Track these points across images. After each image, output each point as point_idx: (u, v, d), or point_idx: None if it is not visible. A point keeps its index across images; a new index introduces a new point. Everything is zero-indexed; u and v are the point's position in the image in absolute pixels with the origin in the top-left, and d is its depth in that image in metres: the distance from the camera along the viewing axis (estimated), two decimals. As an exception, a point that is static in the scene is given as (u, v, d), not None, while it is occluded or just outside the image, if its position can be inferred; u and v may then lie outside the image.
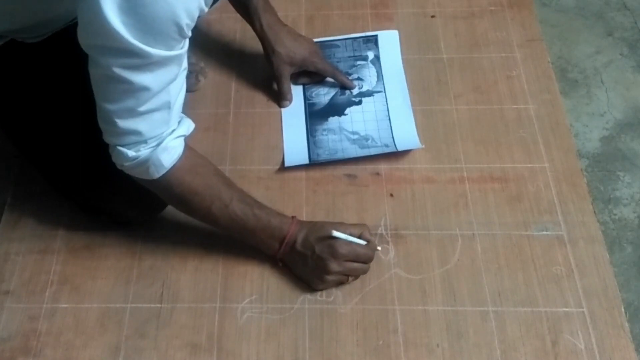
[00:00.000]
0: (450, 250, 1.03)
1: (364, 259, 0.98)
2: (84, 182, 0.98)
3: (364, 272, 0.99)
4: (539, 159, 1.13)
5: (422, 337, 0.95)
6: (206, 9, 0.75)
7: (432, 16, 1.35)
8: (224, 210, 0.93)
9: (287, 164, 1.13)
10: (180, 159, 0.87)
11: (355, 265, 0.97)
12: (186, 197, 0.91)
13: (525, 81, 1.23)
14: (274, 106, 1.22)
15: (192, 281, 1.01)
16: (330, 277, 0.96)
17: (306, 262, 0.96)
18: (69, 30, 0.99)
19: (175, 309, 0.98)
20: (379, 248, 1.01)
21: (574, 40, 1.34)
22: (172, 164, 0.87)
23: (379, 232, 1.05)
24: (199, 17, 0.75)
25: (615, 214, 1.10)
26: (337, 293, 0.99)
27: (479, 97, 1.21)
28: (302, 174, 1.12)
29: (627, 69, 1.29)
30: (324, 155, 1.13)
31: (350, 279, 0.98)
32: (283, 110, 1.21)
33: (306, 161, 1.13)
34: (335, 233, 0.94)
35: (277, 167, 1.13)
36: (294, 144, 1.16)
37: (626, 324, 0.95)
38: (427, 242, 1.04)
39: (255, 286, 1.00)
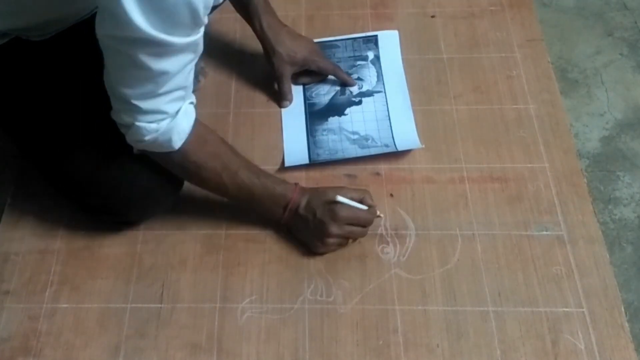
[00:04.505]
0: (450, 250, 1.03)
1: (364, 223, 1.01)
2: (84, 181, 0.98)
3: (363, 235, 1.02)
4: (539, 159, 1.13)
5: (422, 337, 0.95)
6: None
7: (432, 16, 1.34)
8: (233, 178, 0.96)
9: (287, 164, 1.13)
10: (194, 126, 0.90)
11: (355, 228, 1.00)
12: (200, 165, 0.93)
13: (525, 81, 1.23)
14: (274, 106, 1.22)
15: (192, 281, 1.01)
16: (330, 240, 0.99)
17: (307, 225, 0.99)
18: (74, 29, 1.00)
19: (175, 309, 0.98)
20: (380, 214, 1.03)
21: (574, 40, 1.34)
22: (190, 130, 0.89)
23: (379, 232, 1.04)
24: (213, 5, 0.78)
25: (615, 214, 1.10)
26: (337, 293, 0.99)
27: (479, 97, 1.21)
28: (302, 174, 1.12)
29: (627, 69, 1.29)
30: (324, 155, 1.13)
31: (350, 242, 1.02)
32: (283, 110, 1.21)
33: (306, 161, 1.13)
34: (339, 198, 0.97)
35: (277, 167, 1.13)
36: (294, 144, 1.16)
37: (626, 324, 0.95)
38: (427, 242, 1.04)
39: (255, 286, 1.00)
